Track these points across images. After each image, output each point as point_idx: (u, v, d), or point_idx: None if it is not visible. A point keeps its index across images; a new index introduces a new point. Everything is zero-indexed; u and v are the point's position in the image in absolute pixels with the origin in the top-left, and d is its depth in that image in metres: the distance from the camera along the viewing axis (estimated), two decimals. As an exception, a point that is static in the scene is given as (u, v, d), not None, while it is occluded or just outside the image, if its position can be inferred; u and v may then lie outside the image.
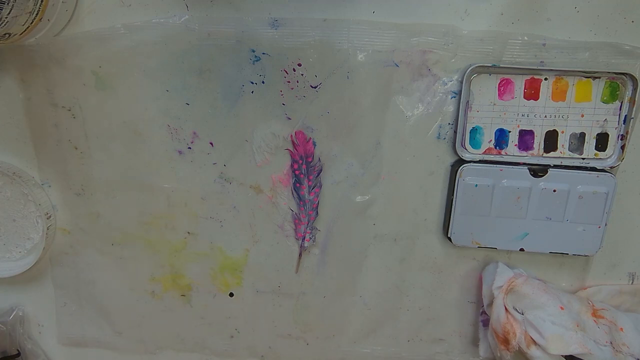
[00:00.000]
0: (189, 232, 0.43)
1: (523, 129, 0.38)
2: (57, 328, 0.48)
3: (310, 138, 0.40)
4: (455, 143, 0.39)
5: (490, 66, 0.36)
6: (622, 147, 0.38)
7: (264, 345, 0.47)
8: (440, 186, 0.41)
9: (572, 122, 0.38)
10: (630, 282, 0.43)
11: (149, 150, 0.41)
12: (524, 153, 0.39)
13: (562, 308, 0.38)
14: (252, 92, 0.39)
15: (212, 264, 0.44)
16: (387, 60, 0.37)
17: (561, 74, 0.37)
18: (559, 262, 0.42)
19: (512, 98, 0.38)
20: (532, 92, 0.37)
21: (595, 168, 0.38)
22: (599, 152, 0.38)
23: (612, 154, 0.38)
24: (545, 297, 0.38)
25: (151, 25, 0.37)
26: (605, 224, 0.39)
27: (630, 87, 0.37)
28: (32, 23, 0.33)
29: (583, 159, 0.39)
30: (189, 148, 0.41)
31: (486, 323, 0.43)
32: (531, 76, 0.37)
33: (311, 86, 0.38)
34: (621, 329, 0.39)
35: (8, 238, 0.42)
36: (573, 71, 0.37)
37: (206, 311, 0.46)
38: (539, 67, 0.37)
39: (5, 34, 0.32)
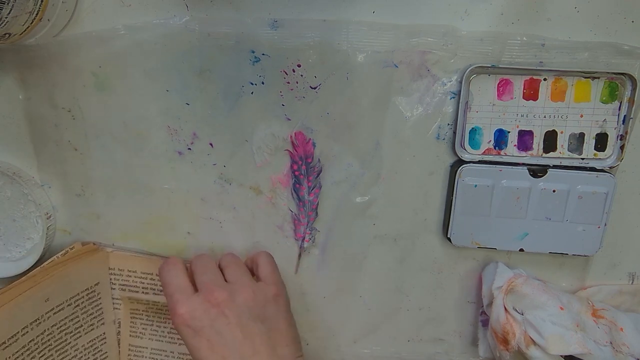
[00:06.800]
0: (189, 233, 0.44)
1: (522, 129, 0.38)
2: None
3: (310, 139, 0.40)
4: (454, 143, 0.39)
5: (489, 66, 0.36)
6: (622, 147, 0.38)
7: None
8: (440, 186, 0.41)
9: (571, 122, 0.38)
10: (630, 282, 0.43)
11: (149, 151, 0.41)
12: (523, 153, 0.39)
13: (562, 308, 0.38)
14: (252, 92, 0.39)
15: (212, 264, 0.44)
16: (386, 60, 0.37)
17: (560, 74, 0.37)
18: (558, 262, 0.42)
19: (511, 98, 0.38)
20: (531, 93, 0.37)
21: (595, 168, 0.38)
22: (598, 152, 0.38)
23: (612, 154, 0.38)
24: (545, 297, 0.38)
25: (151, 26, 0.37)
26: (605, 224, 0.39)
27: (629, 87, 0.37)
28: (32, 23, 0.33)
29: (582, 159, 0.39)
30: (189, 149, 0.41)
31: (486, 323, 0.43)
32: (530, 76, 0.37)
33: (311, 87, 0.38)
34: (621, 329, 0.39)
35: (8, 238, 0.42)
36: (572, 71, 0.37)
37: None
38: (538, 68, 0.37)
39: (5, 34, 0.32)
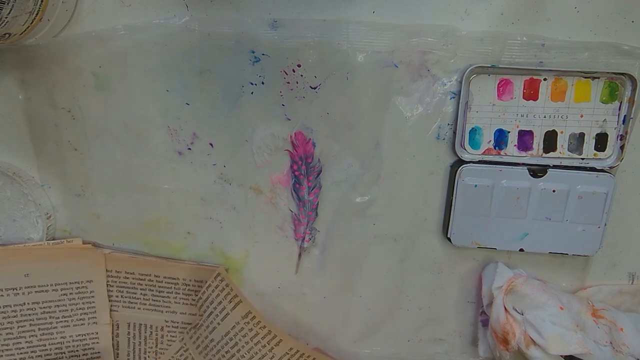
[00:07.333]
0: (189, 233, 0.44)
1: (522, 129, 0.38)
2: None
3: (310, 139, 0.40)
4: (454, 143, 0.39)
5: (489, 66, 0.36)
6: (622, 147, 0.38)
7: (264, 345, 0.47)
8: (440, 186, 0.41)
9: (571, 122, 0.38)
10: (630, 282, 0.43)
11: (149, 151, 0.41)
12: (523, 153, 0.39)
13: (561, 308, 0.38)
14: (252, 92, 0.39)
15: (212, 265, 0.44)
16: (386, 60, 0.37)
17: (560, 74, 0.37)
18: (558, 262, 0.42)
19: (511, 98, 0.38)
20: (531, 93, 0.38)
21: (595, 168, 0.38)
22: (598, 152, 0.38)
23: (612, 154, 0.38)
24: (545, 297, 0.38)
25: (151, 26, 0.37)
26: (605, 224, 0.39)
27: (629, 87, 0.37)
28: (32, 23, 0.33)
29: (582, 159, 0.39)
30: (189, 149, 0.41)
31: (486, 323, 0.43)
32: (530, 76, 0.37)
33: (311, 87, 0.38)
34: (621, 329, 0.39)
35: (8, 238, 0.42)
36: (572, 71, 0.37)
37: (206, 311, 0.46)
38: (538, 68, 0.37)
39: (5, 34, 0.32)
